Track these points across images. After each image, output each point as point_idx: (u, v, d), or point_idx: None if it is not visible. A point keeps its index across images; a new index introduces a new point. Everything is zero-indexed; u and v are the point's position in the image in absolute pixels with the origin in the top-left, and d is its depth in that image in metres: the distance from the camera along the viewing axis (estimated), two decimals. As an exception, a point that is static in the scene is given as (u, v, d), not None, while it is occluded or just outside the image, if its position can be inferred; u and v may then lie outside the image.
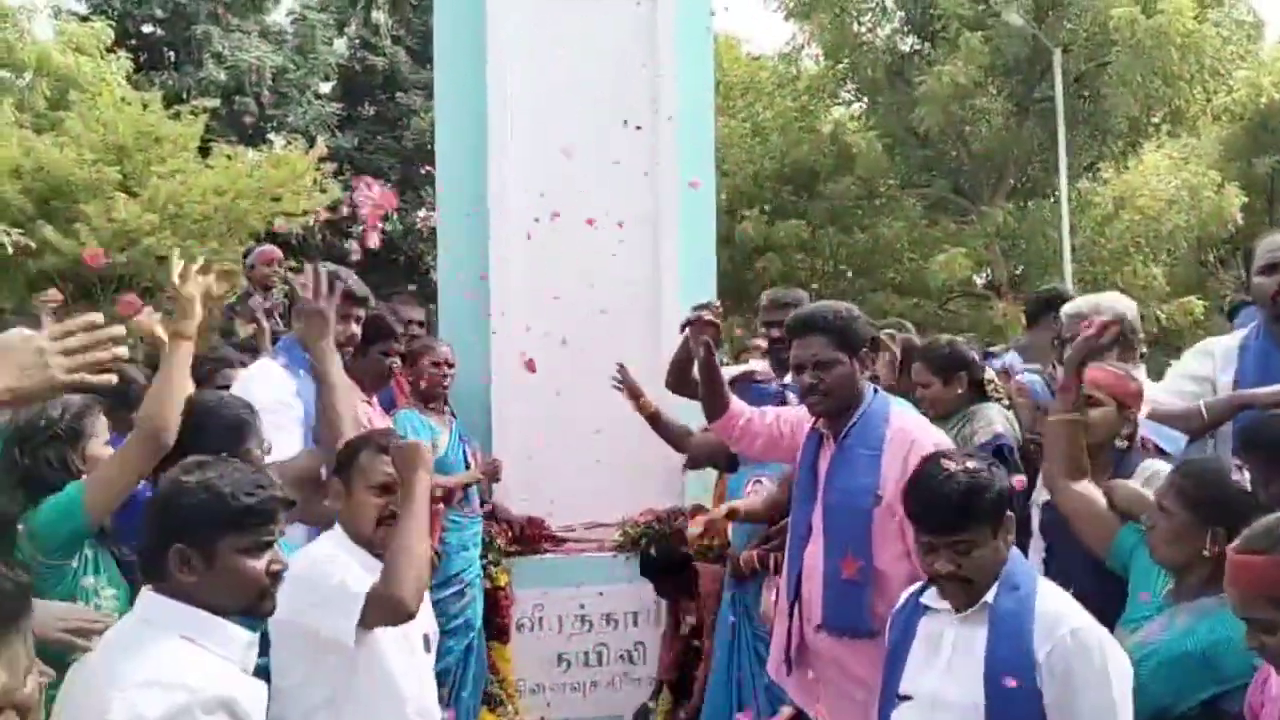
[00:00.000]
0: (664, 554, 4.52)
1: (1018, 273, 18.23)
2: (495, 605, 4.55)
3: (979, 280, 19.61)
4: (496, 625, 4.56)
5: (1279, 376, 3.16)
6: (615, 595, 4.65)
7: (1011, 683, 2.38)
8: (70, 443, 2.74)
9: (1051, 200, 17.18)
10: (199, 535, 2.01)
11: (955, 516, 2.46)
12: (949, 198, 18.52)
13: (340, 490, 2.71)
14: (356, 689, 2.55)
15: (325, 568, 2.55)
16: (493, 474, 4.60)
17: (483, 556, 4.51)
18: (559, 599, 4.65)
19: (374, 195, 5.09)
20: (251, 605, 2.06)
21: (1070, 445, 2.99)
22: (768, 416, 3.44)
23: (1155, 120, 16.67)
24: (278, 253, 6.52)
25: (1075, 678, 2.35)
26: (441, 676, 4.11)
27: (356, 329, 3.65)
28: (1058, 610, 2.43)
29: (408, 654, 2.67)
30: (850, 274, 17.63)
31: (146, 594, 2.04)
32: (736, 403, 3.44)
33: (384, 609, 2.49)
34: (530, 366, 4.74)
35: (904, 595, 2.73)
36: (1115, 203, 17.65)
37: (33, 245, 13.42)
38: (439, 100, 5.03)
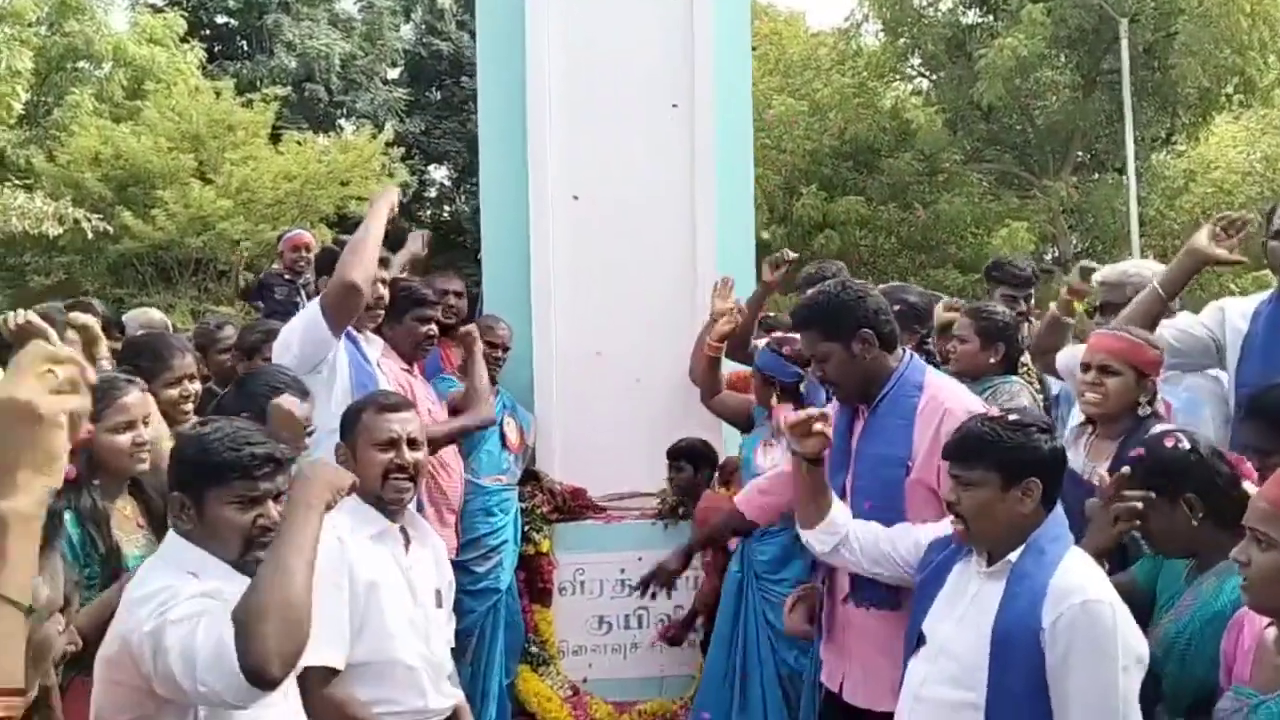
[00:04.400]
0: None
1: (1085, 248, 17.91)
2: (537, 569, 4.70)
3: (1047, 257, 19.32)
4: (539, 589, 4.71)
5: None
6: (654, 560, 4.70)
7: (1016, 643, 2.37)
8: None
9: (1119, 174, 16.83)
10: (190, 485, 2.17)
11: (963, 448, 2.52)
12: (1013, 172, 18.24)
13: (347, 453, 2.78)
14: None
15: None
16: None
17: (525, 523, 4.68)
18: (599, 563, 4.76)
19: None
20: (239, 557, 2.16)
21: None
22: (765, 481, 3.44)
23: (1227, 91, 16.21)
24: (307, 237, 6.69)
25: (1075, 651, 2.33)
26: (465, 634, 4.22)
27: (382, 289, 3.76)
28: (1075, 580, 2.40)
29: (410, 610, 2.74)
30: (911, 250, 17.44)
31: (170, 534, 2.23)
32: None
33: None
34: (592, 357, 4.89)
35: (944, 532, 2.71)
36: (1185, 176, 17.22)
37: (111, 230, 13.88)
38: (481, 75, 5.14)
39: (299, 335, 3.41)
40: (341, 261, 3.45)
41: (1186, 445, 2.57)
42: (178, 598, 1.98)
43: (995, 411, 2.69)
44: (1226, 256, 3.37)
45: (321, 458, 2.70)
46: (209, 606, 1.96)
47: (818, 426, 2.76)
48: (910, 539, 2.83)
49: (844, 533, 2.87)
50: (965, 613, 2.54)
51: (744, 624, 4.04)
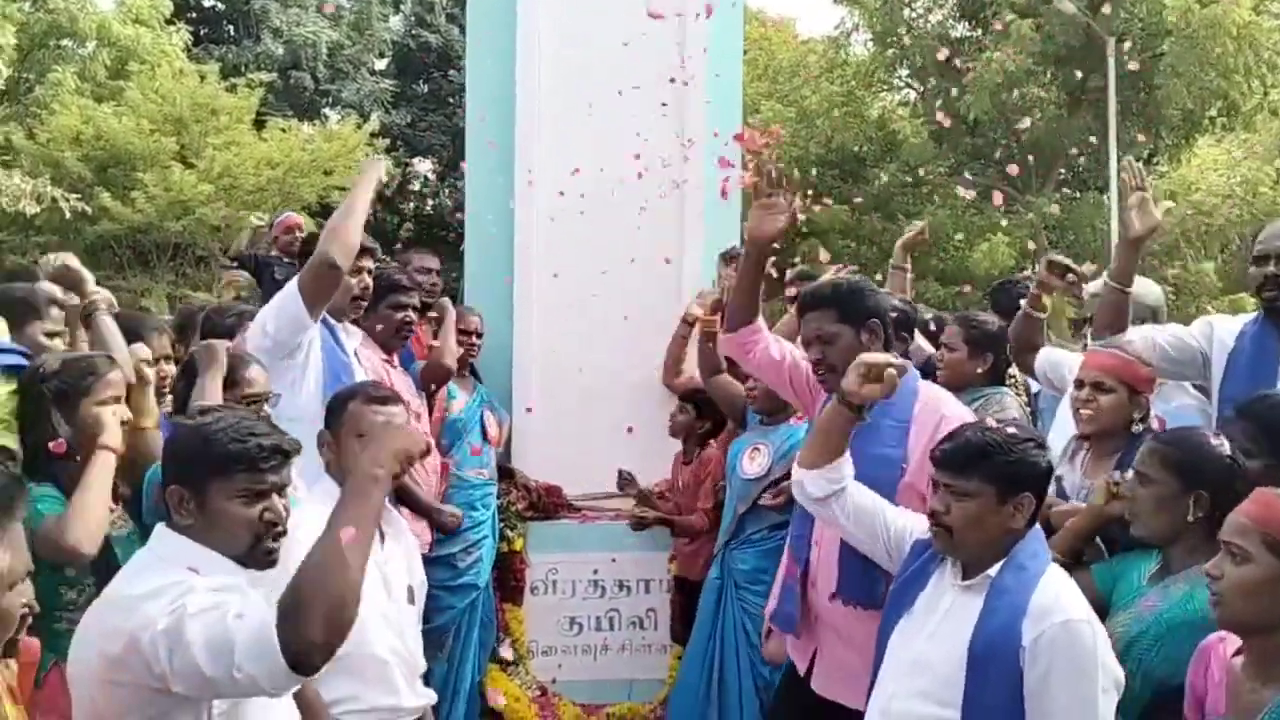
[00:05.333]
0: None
1: (1065, 264, 18.00)
2: (510, 568, 4.68)
3: (1027, 271, 19.38)
4: (511, 587, 4.68)
5: (1270, 360, 3.23)
6: (628, 562, 4.74)
7: (994, 660, 2.35)
8: (58, 402, 2.69)
9: (1101, 193, 16.96)
10: (190, 478, 2.07)
11: (960, 457, 2.47)
12: (997, 186, 18.36)
13: (329, 439, 2.75)
14: None
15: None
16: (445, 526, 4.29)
17: (500, 520, 4.64)
18: (573, 564, 4.74)
19: None
20: (245, 553, 2.09)
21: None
22: (783, 347, 3.36)
23: (1210, 114, 16.35)
24: (298, 220, 6.74)
25: (1055, 670, 2.31)
26: (442, 630, 4.26)
27: (369, 280, 3.73)
28: (1056, 598, 2.38)
29: (384, 604, 2.70)
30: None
31: (160, 528, 2.12)
32: (761, 321, 3.33)
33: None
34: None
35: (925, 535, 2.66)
36: (1166, 196, 17.34)
37: (89, 211, 13.72)
38: (470, 69, 5.11)
39: (274, 317, 3.36)
40: (322, 238, 3.39)
41: (1228, 450, 2.58)
42: (193, 592, 1.91)
43: (991, 422, 2.65)
44: (1155, 220, 3.44)
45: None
46: (227, 599, 1.89)
47: (890, 373, 2.64)
48: (903, 524, 2.80)
49: (844, 485, 2.81)
50: (938, 628, 2.51)
51: (721, 634, 4.01)
